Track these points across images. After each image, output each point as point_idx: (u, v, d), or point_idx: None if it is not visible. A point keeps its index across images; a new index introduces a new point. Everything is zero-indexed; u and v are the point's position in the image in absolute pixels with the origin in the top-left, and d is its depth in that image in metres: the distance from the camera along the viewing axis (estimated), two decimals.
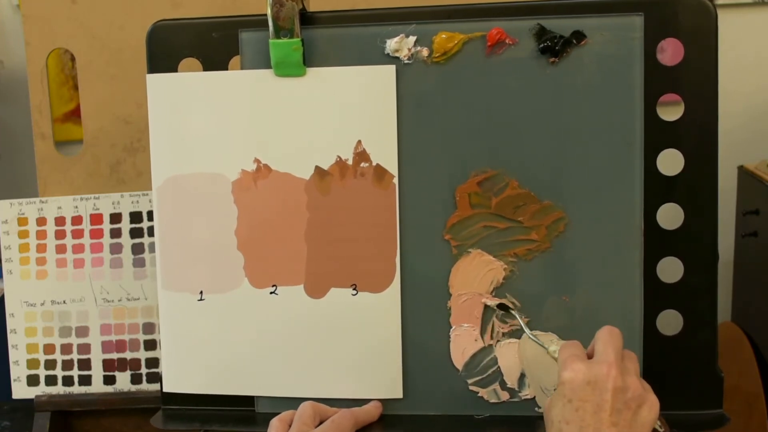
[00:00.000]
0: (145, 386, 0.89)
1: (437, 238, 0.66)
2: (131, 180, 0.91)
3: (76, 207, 0.90)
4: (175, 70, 0.68)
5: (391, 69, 0.65)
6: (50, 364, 0.90)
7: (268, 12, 0.64)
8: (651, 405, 0.54)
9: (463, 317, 0.66)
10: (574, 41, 0.63)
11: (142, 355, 0.89)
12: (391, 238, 0.66)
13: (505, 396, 0.66)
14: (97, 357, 0.89)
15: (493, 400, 0.66)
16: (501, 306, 0.65)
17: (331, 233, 0.66)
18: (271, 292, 0.67)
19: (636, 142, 0.63)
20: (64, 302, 0.90)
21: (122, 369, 0.89)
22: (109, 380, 0.89)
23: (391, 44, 0.65)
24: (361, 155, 0.66)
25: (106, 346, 0.89)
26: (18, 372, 0.90)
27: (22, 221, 0.90)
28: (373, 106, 0.65)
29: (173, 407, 0.70)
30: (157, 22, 0.68)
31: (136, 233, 0.89)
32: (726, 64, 0.63)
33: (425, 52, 0.65)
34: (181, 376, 0.70)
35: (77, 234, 0.90)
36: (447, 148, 0.65)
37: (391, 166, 0.66)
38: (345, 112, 0.65)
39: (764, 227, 1.18)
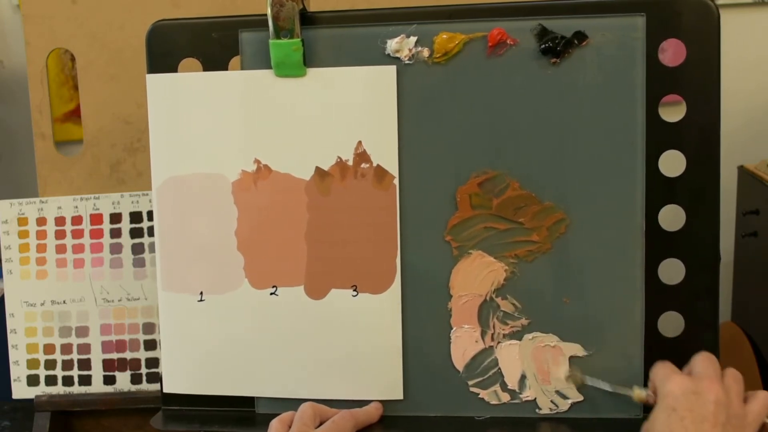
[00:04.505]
0: (145, 386, 0.89)
1: (438, 239, 0.66)
2: (131, 180, 0.91)
3: (76, 207, 0.90)
4: (175, 70, 0.68)
5: (391, 69, 0.65)
6: (50, 364, 0.90)
7: (268, 12, 0.64)
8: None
9: (463, 318, 0.66)
10: (576, 42, 0.63)
11: (142, 355, 0.89)
12: (392, 239, 0.66)
13: (505, 397, 0.66)
14: (97, 357, 0.89)
15: (493, 402, 0.66)
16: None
17: (331, 234, 0.66)
18: (271, 293, 0.67)
19: (637, 143, 0.63)
20: (64, 302, 0.89)
21: (122, 369, 0.89)
22: (109, 380, 0.89)
23: (391, 44, 0.65)
24: (362, 156, 0.65)
25: (106, 346, 0.89)
26: (18, 372, 0.90)
27: (22, 221, 0.90)
28: (374, 107, 0.65)
29: (173, 408, 0.70)
30: (157, 22, 0.68)
31: (136, 233, 0.89)
32: (726, 64, 0.63)
33: (426, 52, 0.64)
34: (181, 377, 0.69)
35: (77, 234, 0.90)
36: (448, 148, 0.65)
37: (392, 167, 0.65)
38: (345, 112, 0.65)
39: (764, 227, 1.18)
